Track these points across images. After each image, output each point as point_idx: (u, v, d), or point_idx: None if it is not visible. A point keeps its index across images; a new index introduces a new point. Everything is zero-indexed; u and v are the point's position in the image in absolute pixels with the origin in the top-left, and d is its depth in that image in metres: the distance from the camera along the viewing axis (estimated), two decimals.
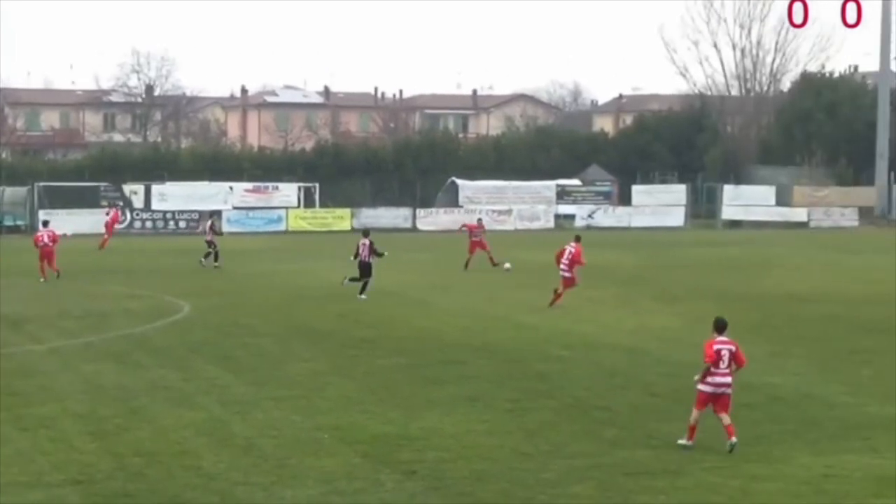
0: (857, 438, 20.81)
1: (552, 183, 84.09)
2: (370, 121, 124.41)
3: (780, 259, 55.73)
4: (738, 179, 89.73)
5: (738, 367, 20.34)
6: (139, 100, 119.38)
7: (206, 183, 79.99)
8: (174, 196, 76.94)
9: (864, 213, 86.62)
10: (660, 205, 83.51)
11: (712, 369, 20.14)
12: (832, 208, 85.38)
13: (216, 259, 50.92)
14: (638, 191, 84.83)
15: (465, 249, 50.93)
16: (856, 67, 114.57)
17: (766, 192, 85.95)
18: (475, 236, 51.09)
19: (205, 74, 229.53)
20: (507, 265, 48.69)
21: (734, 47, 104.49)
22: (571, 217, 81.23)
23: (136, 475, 18.42)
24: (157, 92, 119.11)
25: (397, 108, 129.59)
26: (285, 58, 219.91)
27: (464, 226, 55.79)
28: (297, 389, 24.75)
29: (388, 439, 20.59)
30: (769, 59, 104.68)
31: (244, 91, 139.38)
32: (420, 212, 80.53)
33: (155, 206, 77.31)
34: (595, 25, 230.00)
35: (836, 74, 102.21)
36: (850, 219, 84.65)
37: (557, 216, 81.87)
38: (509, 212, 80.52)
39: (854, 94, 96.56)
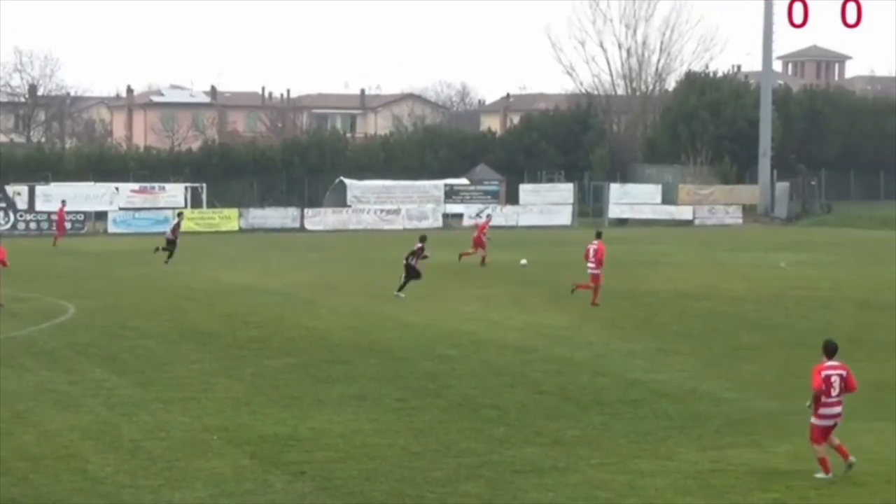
0: (742, 433, 21.10)
1: (440, 182, 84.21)
2: (258, 121, 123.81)
3: (667, 257, 56.34)
4: (625, 178, 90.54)
5: (850, 392, 18.70)
6: (22, 99, 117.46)
7: (91, 184, 78.97)
8: (59, 197, 75.83)
9: (748, 210, 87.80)
10: (547, 203, 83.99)
11: (823, 398, 18.37)
12: (717, 206, 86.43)
13: (170, 257, 51.32)
14: (525, 190, 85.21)
15: (470, 246, 52.12)
16: (739, 67, 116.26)
17: (652, 191, 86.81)
18: (484, 235, 52.42)
19: (89, 74, 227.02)
20: (523, 261, 50.87)
21: (620, 47, 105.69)
22: (459, 216, 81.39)
23: (21, 480, 18.15)
24: (40, 91, 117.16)
25: (285, 107, 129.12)
26: (171, 57, 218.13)
27: (478, 224, 56.14)
28: (184, 391, 24.54)
29: (277, 440, 20.50)
30: (654, 59, 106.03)
31: (130, 91, 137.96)
32: (308, 212, 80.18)
33: (39, 207, 76.14)
34: (482, 25, 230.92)
35: (720, 74, 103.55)
36: (734, 216, 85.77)
37: (445, 215, 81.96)
38: (397, 211, 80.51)
39: (737, 94, 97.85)
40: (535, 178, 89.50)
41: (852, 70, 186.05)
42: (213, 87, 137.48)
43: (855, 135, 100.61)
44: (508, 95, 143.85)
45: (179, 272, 48.24)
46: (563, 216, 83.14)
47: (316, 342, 30.82)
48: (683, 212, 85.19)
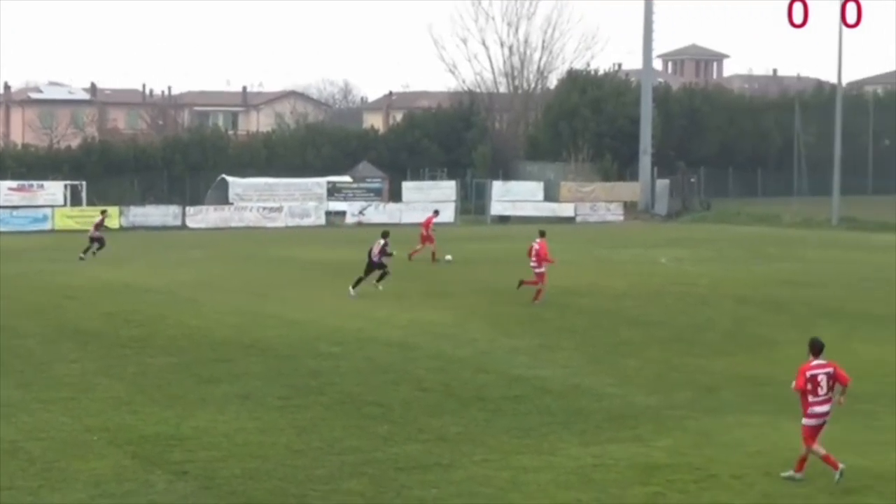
0: (624, 428, 21.34)
1: (323, 180, 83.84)
2: (138, 118, 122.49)
3: (553, 254, 56.55)
4: (507, 175, 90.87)
5: (843, 386, 18.49)
6: None
7: None
8: None
9: (629, 207, 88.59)
10: (430, 201, 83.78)
11: (810, 398, 18.24)
12: (598, 203, 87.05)
13: (91, 253, 51.93)
14: (408, 187, 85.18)
15: (417, 242, 52.53)
16: (620, 65, 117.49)
17: (534, 188, 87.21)
18: (429, 230, 52.92)
19: None
20: (448, 256, 51.48)
21: (502, 45, 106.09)
22: (342, 214, 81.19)
23: None
24: None
25: (166, 105, 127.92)
26: (50, 54, 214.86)
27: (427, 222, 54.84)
28: (65, 391, 24.25)
29: (159, 440, 20.34)
30: (536, 57, 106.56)
31: (7, 87, 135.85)
32: (190, 209, 79.38)
33: None
34: (365, 23, 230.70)
35: (601, 72, 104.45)
36: (615, 213, 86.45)
37: (328, 213, 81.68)
38: (280, 209, 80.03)
39: (618, 92, 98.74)
40: (417, 176, 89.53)
41: (730, 68, 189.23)
42: (92, 85, 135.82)
43: (733, 132, 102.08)
44: (391, 93, 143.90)
45: (59, 270, 47.59)
46: (446, 213, 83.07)
47: (198, 341, 30.60)
48: (565, 209, 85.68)
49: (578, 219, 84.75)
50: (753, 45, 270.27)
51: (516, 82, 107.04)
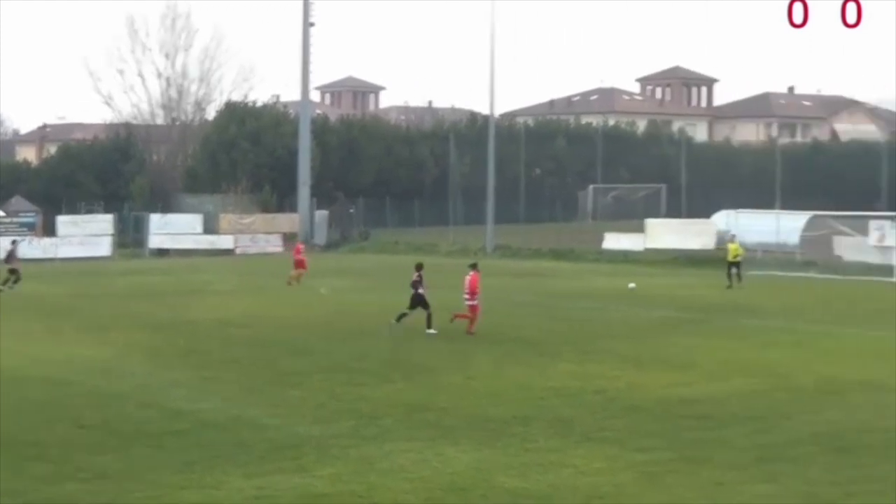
0: (287, 458, 21.36)
1: None
2: None
3: (209, 286, 56.29)
4: (166, 208, 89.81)
5: None
6: None
7: None
8: None
9: (289, 238, 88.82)
10: (87, 234, 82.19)
11: None
12: (258, 235, 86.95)
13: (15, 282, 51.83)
14: (63, 221, 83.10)
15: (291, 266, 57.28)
16: (278, 97, 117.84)
17: (193, 221, 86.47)
18: (300, 254, 58.20)
19: None
20: (632, 285, 54.14)
21: (159, 76, 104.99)
22: None
23: None
24: None
25: None
26: None
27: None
28: None
29: None
30: (194, 89, 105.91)
31: None
32: None
33: None
34: (16, 54, 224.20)
35: (260, 104, 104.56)
36: (275, 245, 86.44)
37: None
38: None
39: (277, 123, 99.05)
40: (74, 209, 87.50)
41: (387, 100, 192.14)
42: None
43: (390, 163, 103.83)
44: (45, 125, 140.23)
45: None
46: (103, 247, 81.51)
47: None
48: (225, 241, 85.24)
49: (238, 250, 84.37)
50: (409, 78, 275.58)
51: (174, 114, 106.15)
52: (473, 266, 39.64)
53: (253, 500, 18.79)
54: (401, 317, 38.68)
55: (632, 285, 54.13)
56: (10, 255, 53.87)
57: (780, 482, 19.74)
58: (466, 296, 38.71)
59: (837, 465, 20.82)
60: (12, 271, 52.63)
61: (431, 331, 37.91)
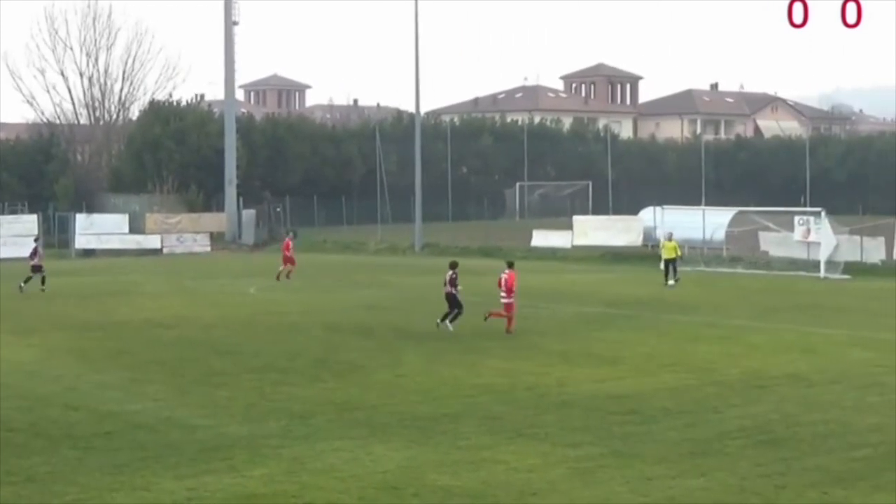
0: (218, 459, 21.26)
1: None
2: None
3: (136, 286, 55.90)
4: (91, 208, 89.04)
5: None
6: None
7: None
8: None
9: (216, 238, 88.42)
10: (11, 236, 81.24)
11: None
12: (185, 234, 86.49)
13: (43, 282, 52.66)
14: None
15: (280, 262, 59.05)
16: (202, 96, 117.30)
17: (120, 220, 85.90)
18: (289, 252, 58.86)
19: None
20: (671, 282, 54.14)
21: (82, 75, 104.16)
22: None
23: None
24: None
25: None
26: None
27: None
28: None
29: None
30: (118, 88, 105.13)
31: None
32: None
33: None
34: None
35: (184, 103, 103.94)
36: (202, 244, 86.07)
37: None
38: None
39: (202, 122, 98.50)
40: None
41: (312, 99, 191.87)
42: None
43: (317, 162, 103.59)
44: None
45: None
46: (28, 248, 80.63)
47: None
48: (151, 241, 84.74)
49: (165, 250, 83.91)
50: (334, 76, 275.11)
51: (97, 113, 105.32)
52: (510, 264, 39.49)
53: (184, 501, 18.69)
54: (447, 316, 38.41)
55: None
56: (34, 254, 54.19)
57: (711, 476, 19.90)
58: (503, 294, 38.52)
59: (766, 458, 21.03)
60: (36, 268, 53.23)
61: (448, 326, 37.92)
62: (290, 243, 59.86)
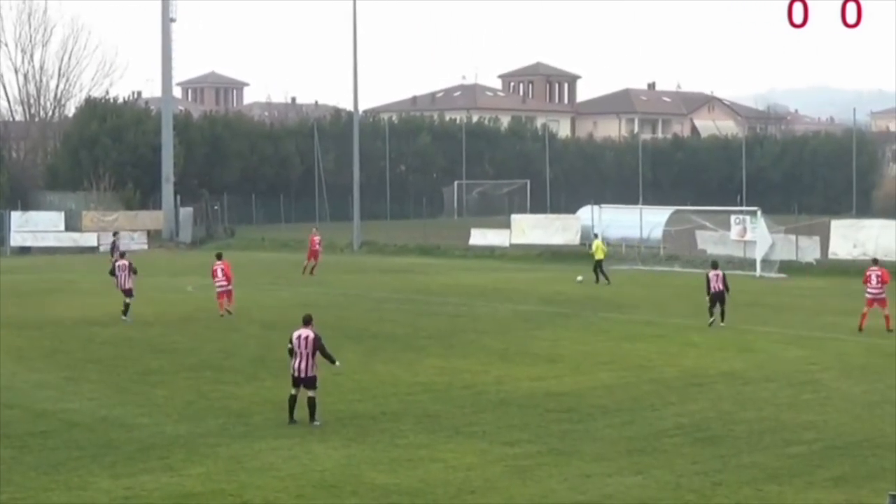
0: (155, 458, 21.17)
1: None
2: None
3: (72, 285, 55.47)
4: (27, 206, 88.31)
5: None
6: None
7: None
8: None
9: (153, 236, 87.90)
10: None
11: None
12: (122, 232, 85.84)
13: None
14: None
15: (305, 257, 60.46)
16: (139, 93, 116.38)
17: (56, 218, 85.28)
18: (314, 246, 59.82)
19: None
20: (579, 278, 54.74)
21: (17, 72, 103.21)
22: None
23: None
24: None
25: None
26: None
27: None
28: None
29: None
30: (53, 85, 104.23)
31: None
32: None
33: None
34: None
35: (121, 100, 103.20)
36: (139, 242, 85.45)
37: None
38: None
39: (138, 120, 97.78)
40: None
41: (250, 96, 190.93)
42: None
43: (255, 159, 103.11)
44: None
45: None
46: None
47: None
48: (88, 238, 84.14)
49: (102, 248, 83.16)
50: (271, 74, 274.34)
51: (33, 110, 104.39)
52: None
53: (121, 500, 18.60)
54: None
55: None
56: (114, 248, 54.41)
57: (648, 473, 20.03)
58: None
59: (703, 456, 21.20)
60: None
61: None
62: (317, 238, 60.62)
